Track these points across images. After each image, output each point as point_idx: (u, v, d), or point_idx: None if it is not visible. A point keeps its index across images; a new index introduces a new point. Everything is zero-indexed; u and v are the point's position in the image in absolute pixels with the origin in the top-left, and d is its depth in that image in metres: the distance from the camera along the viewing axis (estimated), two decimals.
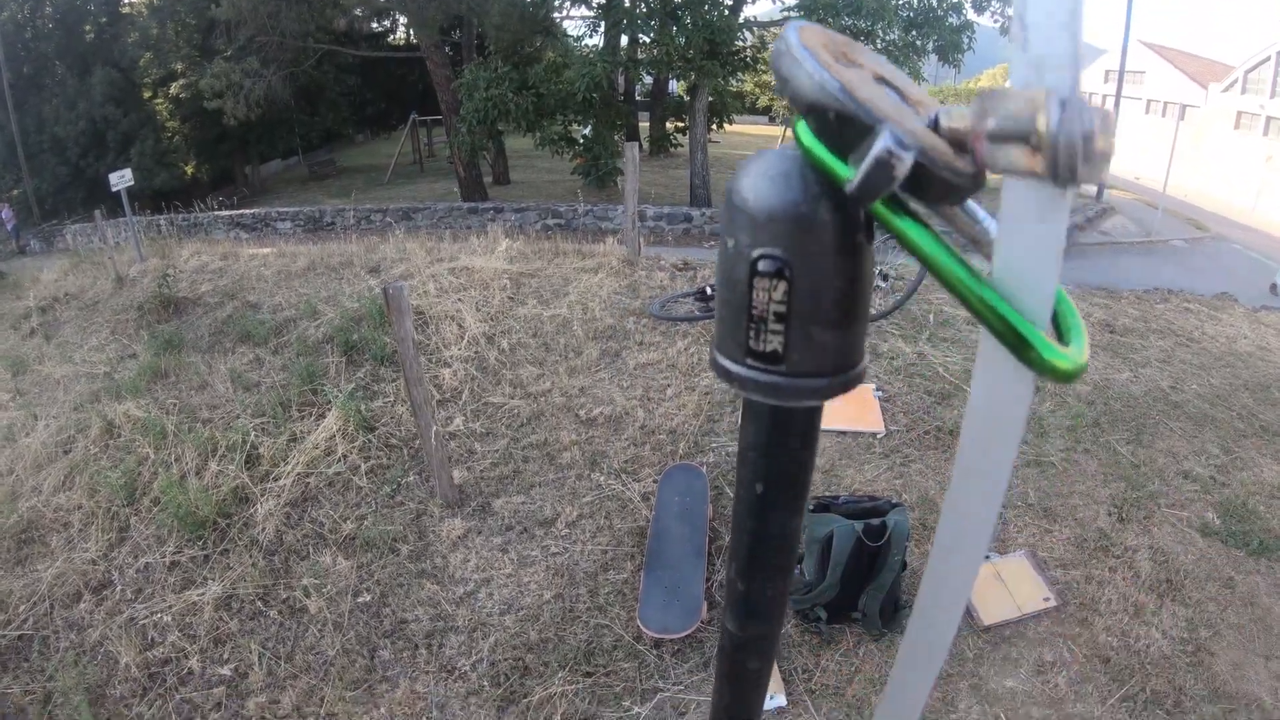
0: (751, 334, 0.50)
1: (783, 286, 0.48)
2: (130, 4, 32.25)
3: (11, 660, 4.92)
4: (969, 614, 4.27)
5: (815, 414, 0.56)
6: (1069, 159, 0.36)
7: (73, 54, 29.43)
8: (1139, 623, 4.25)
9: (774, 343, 0.50)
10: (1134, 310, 9.00)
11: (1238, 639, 4.31)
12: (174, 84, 30.17)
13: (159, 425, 6.74)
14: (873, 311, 7.32)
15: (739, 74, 22.40)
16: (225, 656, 4.56)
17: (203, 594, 4.95)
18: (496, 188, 25.49)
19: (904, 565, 4.23)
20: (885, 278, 7.54)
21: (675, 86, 25.69)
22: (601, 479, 5.50)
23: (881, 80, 0.47)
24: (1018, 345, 0.43)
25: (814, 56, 0.44)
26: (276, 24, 23.19)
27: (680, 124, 26.15)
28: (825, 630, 4.24)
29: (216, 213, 21.27)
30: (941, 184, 0.43)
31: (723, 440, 5.70)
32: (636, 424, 6.04)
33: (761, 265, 0.48)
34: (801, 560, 4.27)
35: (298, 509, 5.64)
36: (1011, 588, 4.40)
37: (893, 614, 4.22)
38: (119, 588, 5.25)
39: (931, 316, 7.53)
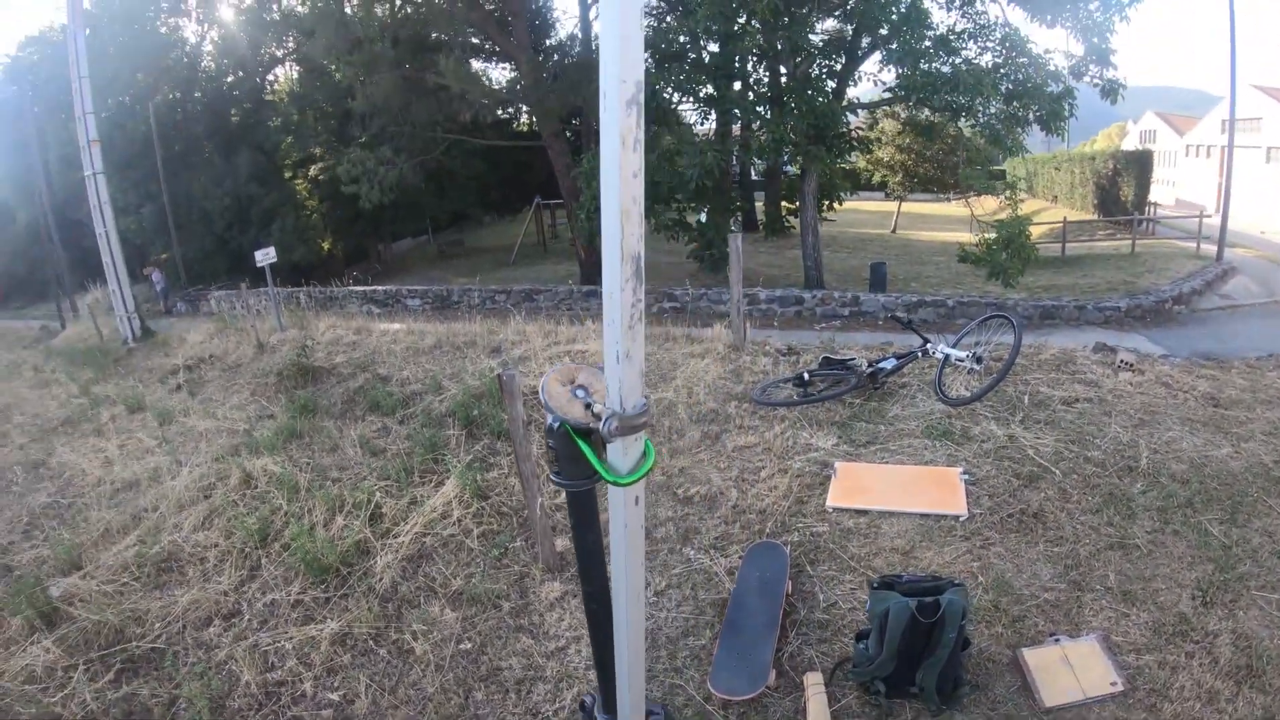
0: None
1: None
2: (273, 92, 35.15)
3: (143, 668, 5.64)
4: (1030, 694, 4.25)
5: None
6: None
7: (220, 135, 31.82)
8: (1211, 710, 4.05)
9: None
10: (1242, 381, 8.49)
11: None
12: (313, 166, 32.51)
13: (292, 480, 7.58)
14: (967, 394, 7.48)
15: (845, 155, 22.50)
16: (336, 685, 5.16)
17: (321, 629, 5.59)
18: None
19: (966, 643, 4.32)
20: (979, 360, 7.53)
21: (792, 167, 25.37)
22: (691, 553, 5.84)
23: (578, 385, 0.97)
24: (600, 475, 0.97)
25: (545, 389, 0.97)
26: (407, 115, 24.97)
27: (793, 205, 26.27)
28: (885, 704, 4.31)
29: (350, 288, 22.55)
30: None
31: (809, 520, 5.95)
32: (729, 503, 6.35)
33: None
34: (867, 636, 4.42)
35: (413, 564, 6.25)
36: (1078, 671, 4.27)
37: (951, 690, 4.26)
38: (247, 617, 5.95)
39: (1026, 398, 7.51)
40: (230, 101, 33.14)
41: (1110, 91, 18.29)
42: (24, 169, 31.84)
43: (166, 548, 7.09)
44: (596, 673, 1.21)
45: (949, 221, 37.31)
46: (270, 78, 35.38)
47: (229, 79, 33.27)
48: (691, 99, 21.32)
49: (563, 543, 6.12)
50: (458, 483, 6.94)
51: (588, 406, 0.88)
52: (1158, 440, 6.56)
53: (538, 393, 6.58)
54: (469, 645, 5.32)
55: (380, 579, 6.06)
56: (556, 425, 0.93)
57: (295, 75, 34.23)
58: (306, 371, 11.29)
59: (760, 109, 19.82)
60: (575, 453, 0.92)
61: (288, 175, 33.90)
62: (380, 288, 23.82)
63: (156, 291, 28.82)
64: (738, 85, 21.32)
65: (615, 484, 0.92)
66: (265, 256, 16.45)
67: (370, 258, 35.73)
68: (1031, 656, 4.41)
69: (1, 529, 8.64)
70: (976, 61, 18.91)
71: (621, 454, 0.88)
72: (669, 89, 20.06)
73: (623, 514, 0.95)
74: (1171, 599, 4.81)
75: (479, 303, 20.69)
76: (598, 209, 19.89)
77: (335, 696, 5.05)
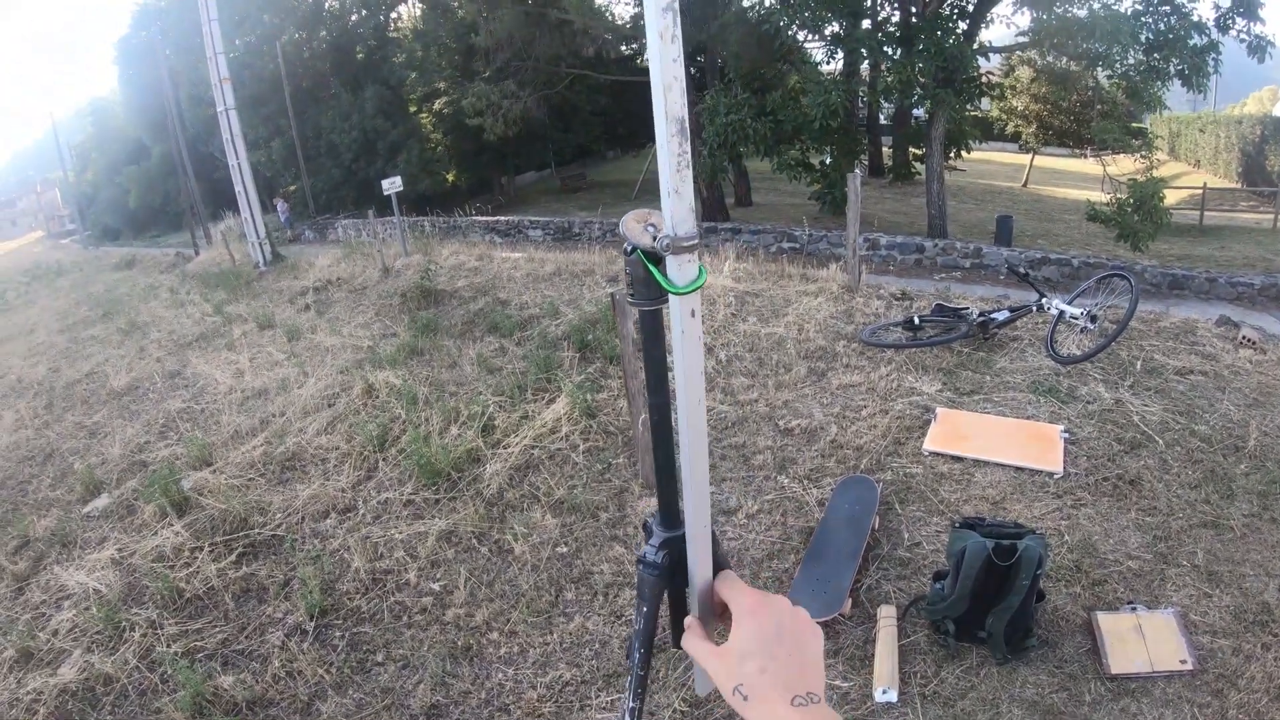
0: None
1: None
2: (397, 29, 36.19)
3: (263, 552, 6.11)
4: (1098, 658, 4.17)
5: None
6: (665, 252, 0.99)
7: (346, 72, 33.14)
8: (1278, 706, 3.88)
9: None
10: None
11: None
12: (438, 101, 33.33)
13: (412, 392, 7.98)
14: (1077, 353, 7.27)
15: (975, 101, 21.81)
16: (438, 576, 5.46)
17: (429, 526, 5.91)
18: (738, 209, 26.19)
19: (1040, 595, 4.26)
20: (1094, 319, 7.34)
21: (922, 111, 24.85)
22: (786, 481, 5.91)
23: (649, 223, 1.05)
24: (661, 285, 1.03)
25: (624, 225, 1.06)
26: (531, 50, 25.09)
27: (921, 151, 25.37)
28: (952, 645, 4.29)
29: (474, 218, 23.05)
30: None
31: (904, 461, 5.96)
32: (828, 438, 6.39)
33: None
34: (945, 577, 4.39)
35: (520, 473, 6.51)
36: (1150, 643, 4.17)
37: (1020, 640, 4.22)
38: (361, 512, 6.34)
39: (1139, 363, 7.24)
40: (355, 39, 34.33)
41: (1258, 48, 17.11)
42: (157, 107, 33.50)
43: (291, 448, 7.57)
44: (657, 490, 1.33)
45: (1084, 178, 35.48)
46: (394, 15, 36.35)
47: (353, 18, 34.42)
48: (817, 36, 20.66)
49: None
50: (568, 400, 7.16)
51: (654, 237, 1.04)
52: (1270, 423, 6.27)
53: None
54: (565, 549, 5.54)
55: (488, 485, 6.33)
56: (631, 251, 1.10)
57: (418, 12, 34.87)
58: (429, 294, 11.71)
59: (888, 49, 19.07)
60: (646, 275, 1.08)
61: (413, 109, 34.79)
62: (503, 218, 24.30)
63: (282, 220, 30.57)
64: (866, 23, 20.72)
65: (672, 293, 1.07)
66: (392, 185, 16.97)
67: (494, 190, 36.38)
68: (1105, 621, 4.33)
69: (139, 430, 9.28)
70: (1115, 7, 18.04)
71: (676, 270, 1.04)
72: (794, 25, 19.60)
73: (680, 322, 1.09)
74: (1258, 586, 4.63)
75: (599, 235, 20.81)
76: (720, 144, 19.71)
77: (436, 586, 5.35)
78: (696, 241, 1.03)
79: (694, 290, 1.05)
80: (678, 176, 0.99)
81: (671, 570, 1.33)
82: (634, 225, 1.08)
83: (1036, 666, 4.17)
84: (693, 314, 1.06)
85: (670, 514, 1.34)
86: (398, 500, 6.35)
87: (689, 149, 1.00)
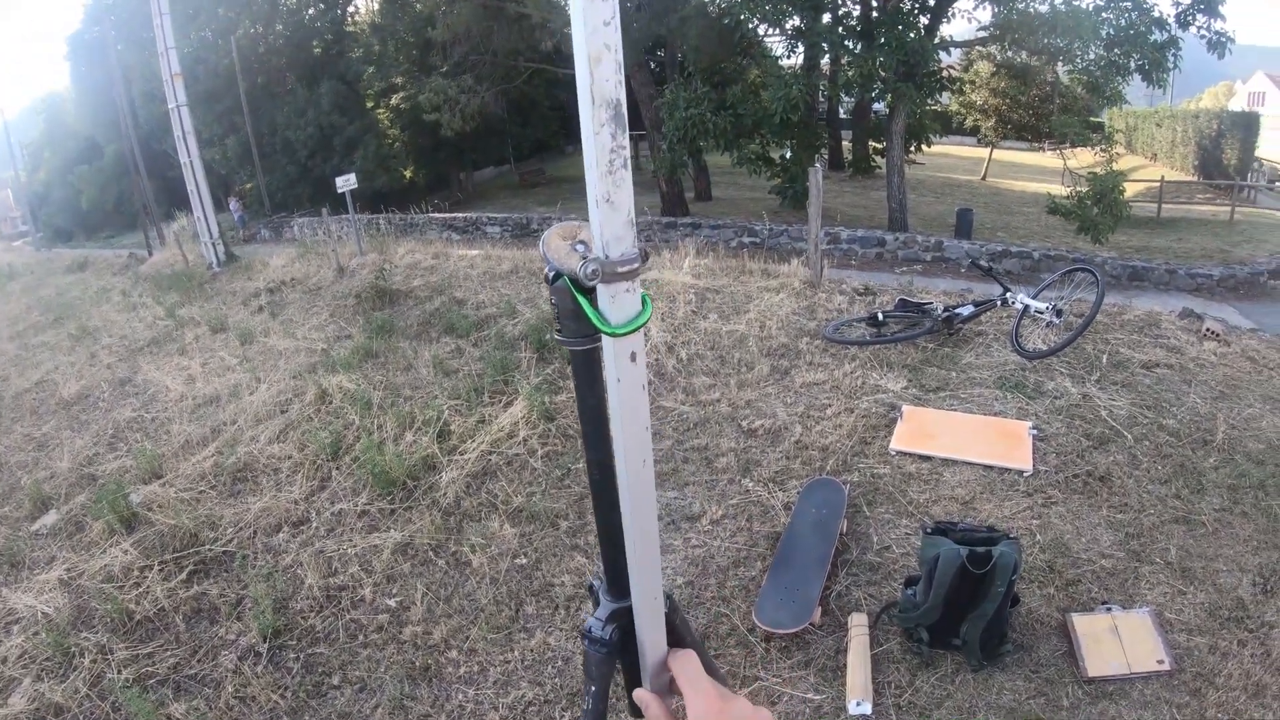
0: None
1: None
2: (354, 23, 35.73)
3: (214, 569, 5.95)
4: (1074, 660, 4.13)
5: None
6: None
7: (302, 67, 32.74)
8: (1256, 703, 3.87)
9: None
10: None
11: None
12: (395, 96, 32.91)
13: (366, 397, 7.79)
14: (1043, 347, 7.23)
15: (935, 95, 21.89)
16: (394, 591, 5.32)
17: (384, 539, 5.76)
18: (698, 203, 26.07)
19: (1015, 600, 4.22)
20: (1059, 313, 7.27)
21: (882, 105, 24.84)
22: (750, 485, 5.80)
23: (579, 241, 0.90)
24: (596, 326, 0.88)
25: (546, 243, 0.91)
26: (488, 44, 25.05)
27: (880, 145, 25.48)
28: (926, 652, 4.23)
29: (431, 215, 22.85)
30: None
31: (871, 462, 5.86)
32: (793, 438, 6.28)
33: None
34: (917, 582, 4.34)
35: (477, 480, 6.36)
36: (1126, 644, 4.13)
37: (995, 647, 4.17)
38: (314, 525, 6.19)
39: (1105, 357, 7.14)
40: (311, 34, 33.89)
41: (1217, 44, 17.22)
42: (110, 105, 32.84)
43: (242, 459, 7.37)
44: (603, 557, 1.16)
45: (1042, 172, 35.82)
46: (351, 9, 35.96)
47: (309, 11, 34.05)
48: (778, 30, 20.71)
49: None
50: (526, 404, 7.01)
51: (584, 258, 0.84)
52: (1237, 415, 6.24)
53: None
54: (524, 561, 5.41)
55: (444, 493, 6.19)
56: (555, 278, 0.89)
57: (375, 6, 34.56)
58: (384, 294, 11.50)
59: (849, 43, 19.14)
60: (576, 308, 0.88)
61: (370, 105, 34.45)
62: (460, 215, 24.16)
63: (236, 220, 30.38)
64: (827, 17, 20.62)
65: (606, 334, 0.86)
66: (346, 183, 16.68)
67: (452, 186, 36.10)
68: (1080, 623, 4.29)
69: (88, 441, 9.04)
70: (1077, 3, 18.19)
71: (609, 302, 0.84)
72: (755, 19, 19.53)
73: (615, 368, 0.88)
74: (1231, 582, 4.62)
75: None
76: (680, 139, 19.60)
77: (392, 603, 5.22)
78: (636, 266, 0.83)
79: (634, 330, 0.87)
80: (610, 180, 0.80)
81: (622, 644, 1.18)
82: (558, 243, 0.89)
83: (1013, 672, 4.12)
84: (633, 358, 0.89)
85: (619, 583, 1.19)
86: (352, 511, 6.20)
87: (626, 142, 0.80)
